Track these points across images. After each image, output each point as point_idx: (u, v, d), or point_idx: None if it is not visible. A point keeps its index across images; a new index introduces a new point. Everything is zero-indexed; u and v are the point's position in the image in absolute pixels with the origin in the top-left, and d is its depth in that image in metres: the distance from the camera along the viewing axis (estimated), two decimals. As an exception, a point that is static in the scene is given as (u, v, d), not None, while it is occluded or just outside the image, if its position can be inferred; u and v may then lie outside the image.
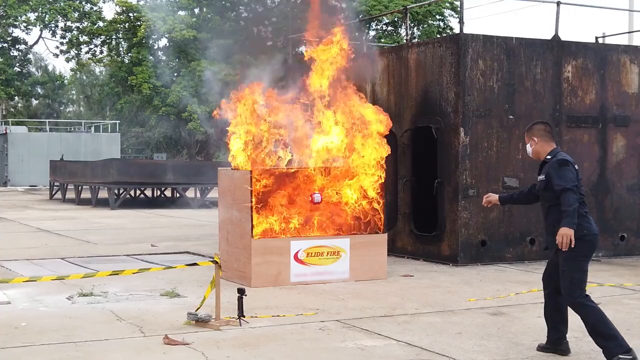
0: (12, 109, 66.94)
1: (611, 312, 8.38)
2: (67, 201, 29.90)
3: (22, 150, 43.47)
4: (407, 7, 16.15)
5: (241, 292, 7.86)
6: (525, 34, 13.90)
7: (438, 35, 42.12)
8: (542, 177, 6.76)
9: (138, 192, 30.21)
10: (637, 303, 9.36)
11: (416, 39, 41.30)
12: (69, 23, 48.56)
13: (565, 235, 6.40)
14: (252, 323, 7.91)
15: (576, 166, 6.74)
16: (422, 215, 13.27)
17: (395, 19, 43.85)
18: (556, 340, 6.83)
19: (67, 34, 48.89)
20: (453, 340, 7.34)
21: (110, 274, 7.90)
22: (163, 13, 42.19)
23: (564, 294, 6.62)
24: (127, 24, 45.53)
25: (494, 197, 7.29)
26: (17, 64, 51.66)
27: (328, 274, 10.57)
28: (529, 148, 7.00)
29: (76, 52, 48.90)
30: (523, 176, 12.77)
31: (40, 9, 47.55)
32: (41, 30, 51.29)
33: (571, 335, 6.95)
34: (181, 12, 44.75)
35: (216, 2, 43.14)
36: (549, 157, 6.83)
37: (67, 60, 49.19)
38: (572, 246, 6.42)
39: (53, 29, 49.86)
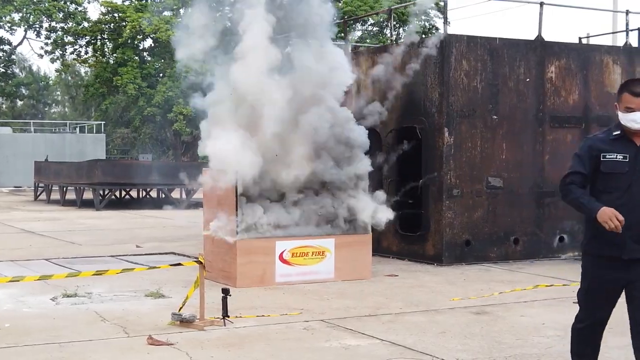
0: (-4, 110, 66.67)
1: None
2: (52, 202, 29.78)
3: (6, 151, 43.21)
4: (392, 7, 16.19)
5: (225, 292, 7.87)
6: (510, 35, 13.99)
7: (423, 36, 42.19)
8: None
9: (123, 192, 30.12)
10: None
11: (402, 40, 41.35)
12: (53, 23, 48.29)
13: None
14: (236, 323, 7.92)
15: None
16: (407, 215, 13.30)
17: (381, 20, 43.91)
18: None
19: (51, 34, 48.62)
20: (437, 339, 7.38)
21: (94, 274, 7.89)
22: (148, 13, 42.08)
23: None
24: (112, 24, 45.37)
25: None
26: (2, 65, 51.38)
27: (313, 274, 10.60)
28: None
29: (61, 52, 48.66)
30: (507, 176, 12.84)
31: (24, 9, 47.28)
32: (25, 31, 51.02)
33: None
34: (166, 13, 44.65)
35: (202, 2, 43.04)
36: None
37: (52, 61, 48.93)
38: None
39: (37, 29, 49.60)
